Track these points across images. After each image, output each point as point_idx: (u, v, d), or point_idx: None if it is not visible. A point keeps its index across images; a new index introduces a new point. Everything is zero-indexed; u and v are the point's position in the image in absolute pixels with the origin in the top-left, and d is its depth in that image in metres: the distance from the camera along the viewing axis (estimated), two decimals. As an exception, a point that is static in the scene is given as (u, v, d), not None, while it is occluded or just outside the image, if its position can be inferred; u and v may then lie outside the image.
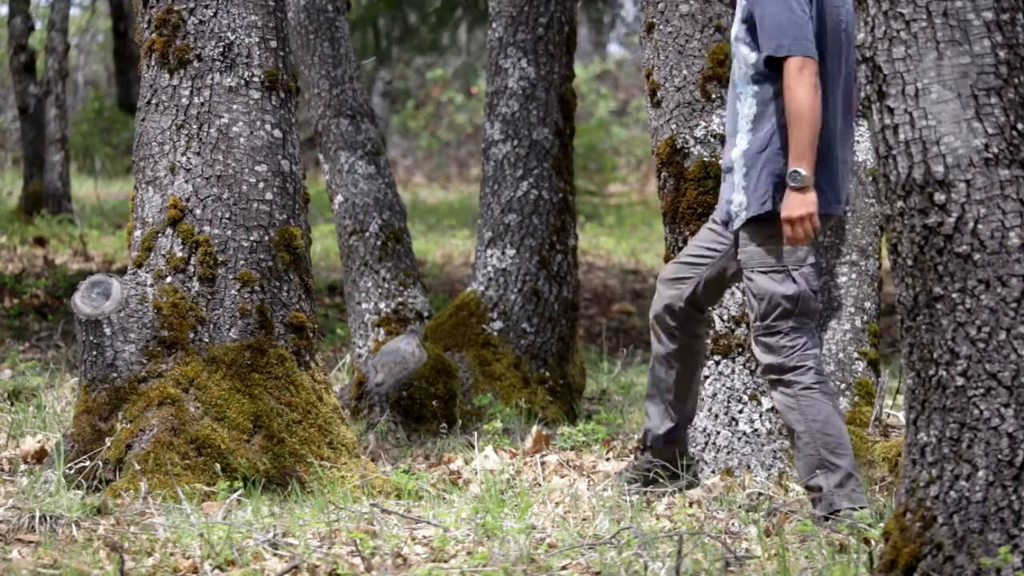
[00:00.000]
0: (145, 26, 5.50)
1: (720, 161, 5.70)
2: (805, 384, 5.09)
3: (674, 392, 5.47)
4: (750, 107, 5.12)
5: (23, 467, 5.52)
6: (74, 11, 25.47)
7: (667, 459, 5.55)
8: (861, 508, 4.96)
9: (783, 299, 5.09)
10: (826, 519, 4.99)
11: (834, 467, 5.05)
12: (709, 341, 5.88)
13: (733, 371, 5.91)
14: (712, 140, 5.89)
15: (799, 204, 5.02)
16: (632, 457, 5.68)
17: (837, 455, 5.06)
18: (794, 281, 5.09)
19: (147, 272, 5.39)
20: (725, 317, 5.89)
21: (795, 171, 5.00)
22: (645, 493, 5.48)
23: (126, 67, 23.25)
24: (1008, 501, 3.62)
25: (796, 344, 5.10)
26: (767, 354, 5.13)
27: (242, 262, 5.40)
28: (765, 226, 5.10)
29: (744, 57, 5.15)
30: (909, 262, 3.73)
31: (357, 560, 4.37)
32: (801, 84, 4.99)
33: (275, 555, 4.43)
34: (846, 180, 5.23)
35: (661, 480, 5.52)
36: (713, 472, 5.89)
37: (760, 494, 5.54)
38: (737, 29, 5.17)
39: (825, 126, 5.10)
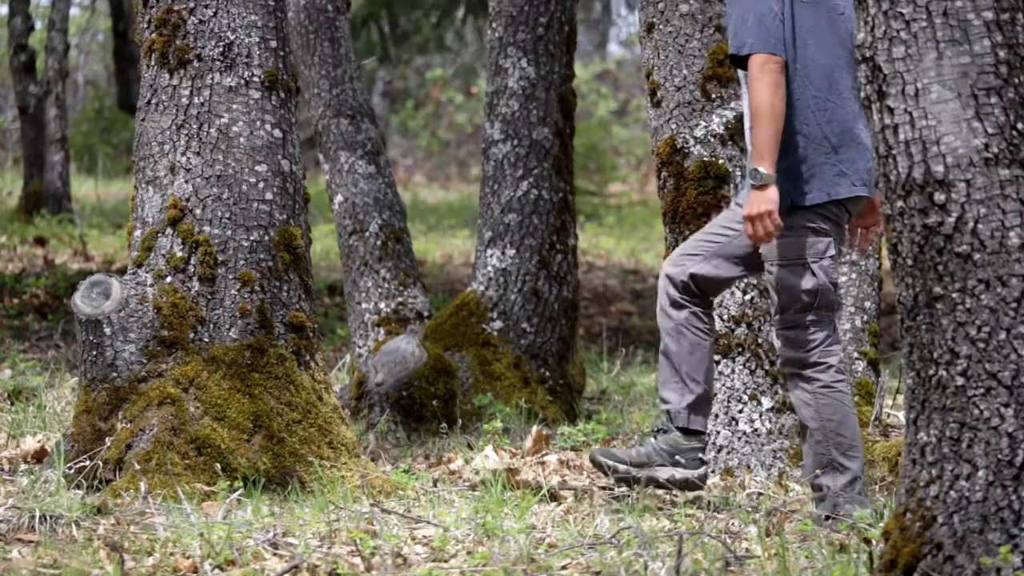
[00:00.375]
0: (145, 26, 5.50)
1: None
2: (825, 382, 5.06)
3: (688, 362, 5.19)
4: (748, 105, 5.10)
5: (23, 467, 5.52)
6: (74, 11, 25.48)
7: (695, 435, 5.23)
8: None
9: (803, 292, 5.06)
10: (827, 518, 4.98)
11: (843, 469, 5.04)
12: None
13: (733, 371, 5.91)
14: (712, 140, 5.89)
15: (760, 202, 4.98)
16: (650, 438, 5.40)
17: (848, 457, 5.04)
18: (813, 274, 5.06)
19: (147, 272, 5.39)
20: (725, 317, 5.90)
21: (755, 169, 4.97)
22: (665, 482, 5.24)
23: (126, 67, 23.26)
24: (1008, 501, 3.62)
25: (817, 338, 5.07)
26: (787, 348, 5.09)
27: (242, 262, 5.40)
28: (784, 220, 5.07)
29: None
30: (909, 262, 3.73)
31: (357, 560, 4.37)
32: (762, 82, 4.96)
33: (275, 555, 4.43)
34: (870, 163, 5.15)
35: (685, 463, 5.25)
36: (713, 472, 5.89)
37: (760, 494, 5.54)
38: None
39: (839, 110, 5.08)
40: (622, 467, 5.26)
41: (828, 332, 5.09)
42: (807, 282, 5.06)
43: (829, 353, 5.08)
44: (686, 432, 5.23)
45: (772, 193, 4.97)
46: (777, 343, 5.13)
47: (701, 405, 5.23)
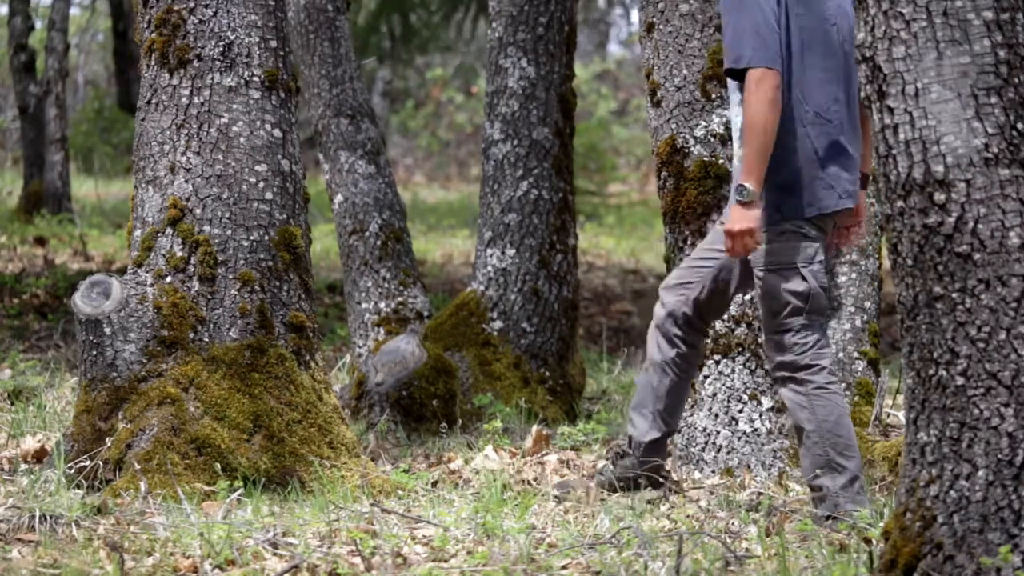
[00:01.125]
0: (145, 26, 5.50)
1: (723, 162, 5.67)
2: (818, 384, 5.08)
3: (664, 401, 5.37)
4: (737, 115, 5.08)
5: (23, 467, 5.52)
6: (74, 11, 25.49)
7: (647, 468, 5.45)
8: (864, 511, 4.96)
9: (793, 296, 5.07)
10: (827, 519, 4.98)
11: (841, 468, 5.05)
12: (709, 341, 5.88)
13: (733, 371, 5.91)
14: (712, 140, 5.89)
15: (742, 219, 4.99)
16: (608, 462, 5.61)
17: (845, 456, 5.06)
18: (804, 278, 5.08)
19: (147, 272, 5.39)
20: (725, 317, 5.89)
21: (742, 186, 4.98)
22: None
23: (126, 67, 23.26)
24: (1008, 501, 3.62)
25: (808, 342, 5.09)
26: (778, 352, 5.11)
27: (242, 262, 5.40)
28: (774, 227, 5.09)
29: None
30: (909, 262, 3.73)
31: (357, 560, 4.37)
32: (758, 98, 4.94)
33: (275, 555, 4.43)
34: (855, 173, 5.18)
35: (639, 487, 5.45)
36: (713, 472, 5.89)
37: (760, 494, 5.54)
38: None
39: (828, 124, 5.09)
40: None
41: (819, 336, 5.11)
42: (798, 285, 5.07)
43: (821, 356, 5.10)
44: (641, 462, 5.44)
45: (756, 211, 4.99)
46: (767, 348, 5.16)
47: (662, 444, 5.44)
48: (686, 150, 5.90)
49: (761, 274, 5.11)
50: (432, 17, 16.69)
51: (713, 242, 5.31)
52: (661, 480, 5.46)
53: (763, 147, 4.95)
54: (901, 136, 3.71)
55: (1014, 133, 3.66)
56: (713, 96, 5.92)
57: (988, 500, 3.63)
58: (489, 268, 7.54)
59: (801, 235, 5.08)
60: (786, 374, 5.11)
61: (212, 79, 5.43)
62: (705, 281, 5.29)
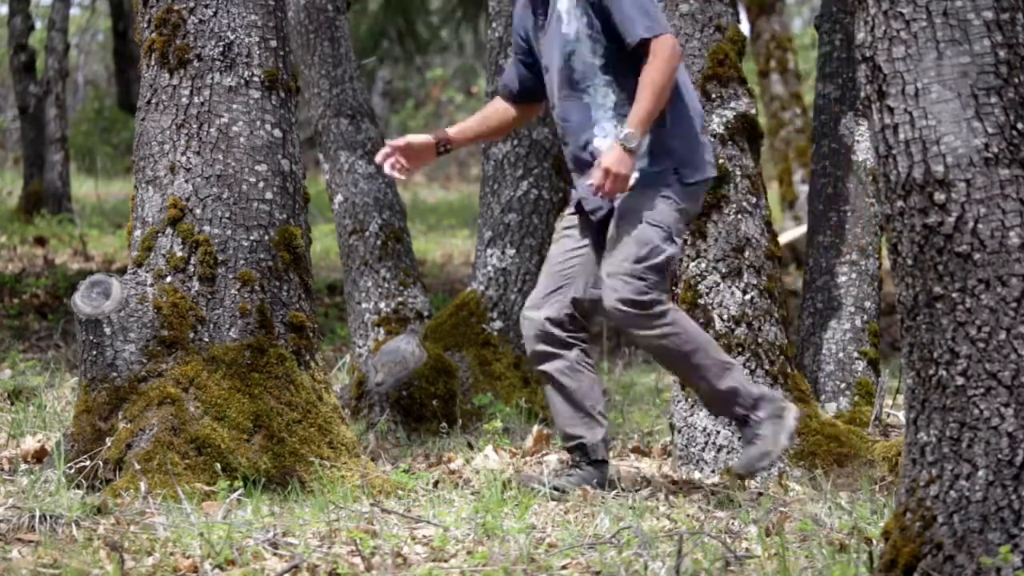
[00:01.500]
0: (145, 26, 5.50)
1: (571, 155, 5.60)
2: (673, 308, 5.29)
3: (591, 395, 5.48)
4: (606, 96, 5.32)
5: (23, 467, 5.52)
6: (74, 11, 25.49)
7: (605, 469, 5.52)
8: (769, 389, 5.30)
9: (662, 254, 5.26)
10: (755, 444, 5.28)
11: (728, 364, 5.31)
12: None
13: (733, 371, 5.90)
14: (712, 140, 5.89)
15: (624, 163, 5.20)
16: (568, 468, 5.60)
17: (722, 353, 5.34)
18: (674, 243, 5.31)
19: (147, 272, 5.39)
20: (725, 317, 5.90)
21: (633, 132, 5.19)
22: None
23: (126, 67, 23.28)
24: (1008, 501, 3.62)
25: (661, 295, 5.28)
26: (630, 294, 5.26)
27: (242, 262, 5.40)
28: (665, 187, 5.31)
29: (591, 50, 5.31)
30: (909, 262, 3.73)
31: (357, 560, 4.37)
32: (671, 62, 5.21)
33: (275, 555, 4.43)
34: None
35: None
36: (713, 472, 5.89)
37: (760, 494, 5.54)
38: (578, 28, 5.31)
39: (694, 99, 5.43)
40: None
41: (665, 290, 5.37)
42: (669, 247, 5.28)
43: (668, 299, 5.33)
44: (596, 463, 5.51)
45: (633, 160, 5.22)
46: (616, 283, 5.27)
47: (607, 439, 5.54)
48: (686, 150, 5.89)
49: (638, 223, 5.27)
50: (438, 26, 16.71)
51: (568, 247, 5.47)
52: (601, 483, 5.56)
53: (659, 107, 5.23)
54: (901, 136, 3.71)
55: (1014, 133, 3.66)
56: (713, 96, 5.92)
57: (988, 500, 3.63)
58: (489, 268, 7.54)
59: (682, 209, 5.33)
60: (641, 312, 5.24)
61: (212, 79, 5.43)
62: (575, 279, 5.45)
